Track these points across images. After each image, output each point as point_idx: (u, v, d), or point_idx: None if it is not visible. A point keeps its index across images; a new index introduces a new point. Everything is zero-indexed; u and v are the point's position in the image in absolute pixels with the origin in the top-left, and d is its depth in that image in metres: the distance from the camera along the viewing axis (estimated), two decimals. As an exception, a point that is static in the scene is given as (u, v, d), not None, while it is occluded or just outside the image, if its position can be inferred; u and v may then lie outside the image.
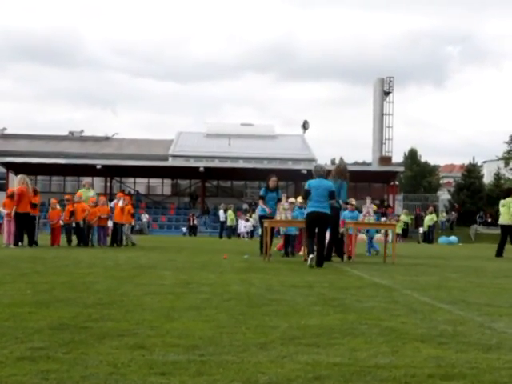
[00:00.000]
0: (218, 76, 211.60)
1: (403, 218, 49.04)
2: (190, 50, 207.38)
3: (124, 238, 23.46)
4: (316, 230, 13.77)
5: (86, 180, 26.61)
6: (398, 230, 43.79)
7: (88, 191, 24.10)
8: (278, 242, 22.93)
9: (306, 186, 13.88)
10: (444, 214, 61.78)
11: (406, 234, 49.04)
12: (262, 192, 19.03)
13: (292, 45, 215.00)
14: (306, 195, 13.76)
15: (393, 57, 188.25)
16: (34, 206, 21.04)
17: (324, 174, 14.00)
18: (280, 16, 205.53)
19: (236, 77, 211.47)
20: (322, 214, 13.50)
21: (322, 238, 13.84)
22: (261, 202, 18.87)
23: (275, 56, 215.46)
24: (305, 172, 55.53)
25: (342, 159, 21.47)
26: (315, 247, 13.71)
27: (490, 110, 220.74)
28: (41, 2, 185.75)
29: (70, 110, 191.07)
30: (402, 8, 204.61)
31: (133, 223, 25.54)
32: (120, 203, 22.93)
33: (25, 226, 20.78)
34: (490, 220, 61.67)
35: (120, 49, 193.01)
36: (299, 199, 21.30)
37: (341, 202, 15.91)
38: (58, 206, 23.67)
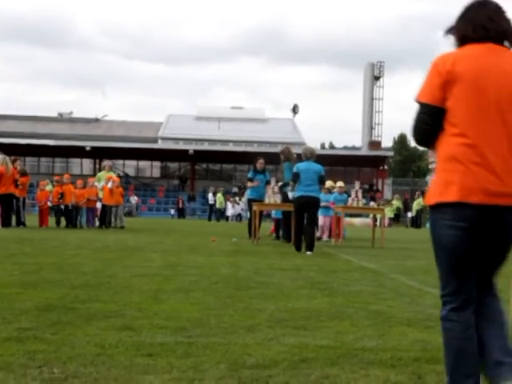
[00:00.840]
0: (209, 59, 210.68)
1: (395, 202, 49.12)
2: (181, 33, 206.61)
3: (113, 219, 23.40)
4: (306, 215, 13.62)
5: (106, 162, 25.50)
6: (390, 215, 43.87)
7: (107, 174, 23.68)
8: (267, 226, 22.94)
9: (295, 169, 13.66)
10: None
11: (397, 218, 49.13)
12: (249, 174, 19.01)
13: (283, 28, 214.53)
14: (295, 178, 13.57)
15: (384, 41, 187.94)
16: (16, 186, 20.87)
17: (312, 156, 13.74)
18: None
19: (227, 60, 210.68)
20: (311, 197, 13.34)
21: (312, 221, 13.68)
22: (249, 184, 18.84)
23: (266, 39, 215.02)
24: (294, 156, 55.39)
25: (287, 146, 21.46)
26: (303, 237, 13.49)
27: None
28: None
29: (60, 92, 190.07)
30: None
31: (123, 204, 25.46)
32: (109, 185, 22.86)
33: (11, 207, 20.67)
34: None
35: (110, 30, 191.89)
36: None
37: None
38: (46, 188, 23.56)
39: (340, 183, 20.29)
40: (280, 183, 17.22)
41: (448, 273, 3.34)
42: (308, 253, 12.85)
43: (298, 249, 13.26)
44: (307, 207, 13.49)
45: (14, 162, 21.27)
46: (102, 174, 23.72)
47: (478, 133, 3.22)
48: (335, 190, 20.08)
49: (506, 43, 3.37)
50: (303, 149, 14.39)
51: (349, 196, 18.49)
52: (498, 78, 3.27)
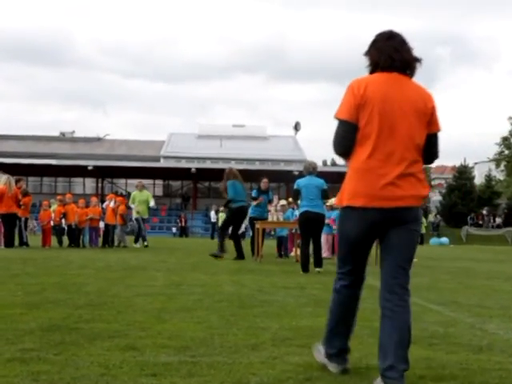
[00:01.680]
0: (209, 76, 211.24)
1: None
2: (180, 51, 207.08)
3: (116, 238, 23.40)
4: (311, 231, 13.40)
5: (139, 181, 25.41)
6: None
7: (141, 194, 23.72)
8: (271, 244, 22.90)
9: (295, 186, 13.22)
10: (434, 216, 61.94)
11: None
12: (253, 193, 19.01)
13: (282, 46, 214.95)
14: (296, 195, 13.17)
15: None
16: (19, 206, 20.88)
17: (313, 170, 13.37)
18: (270, 17, 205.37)
19: (226, 77, 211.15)
20: (315, 214, 13.03)
21: (317, 237, 13.35)
22: (254, 202, 18.85)
23: (265, 57, 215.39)
24: (297, 173, 55.52)
25: (230, 167, 21.61)
26: (311, 252, 13.29)
27: (481, 112, 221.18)
28: (30, 2, 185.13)
29: (61, 111, 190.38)
30: (390, 10, 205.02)
31: (128, 226, 25.49)
32: (111, 204, 22.89)
33: (13, 227, 20.66)
34: (480, 222, 61.91)
35: (109, 49, 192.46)
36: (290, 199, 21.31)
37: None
38: (52, 207, 23.61)
39: (332, 200, 20.24)
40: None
41: (346, 257, 4.25)
42: (317, 269, 12.76)
43: (305, 269, 12.63)
44: (312, 225, 12.98)
45: (17, 181, 21.30)
46: (136, 194, 23.76)
47: (385, 148, 3.96)
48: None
49: (408, 71, 4.15)
50: (305, 163, 13.98)
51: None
52: (400, 102, 4.01)
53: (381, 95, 4.01)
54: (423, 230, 47.91)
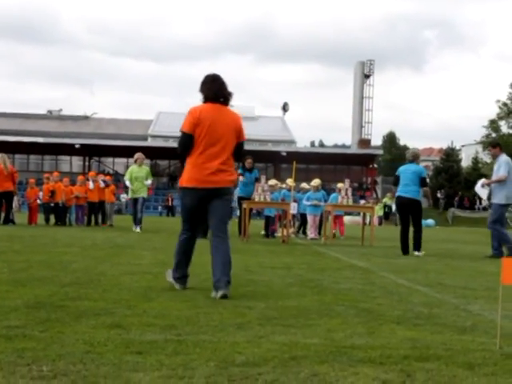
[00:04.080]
0: (197, 56, 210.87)
1: (386, 200, 49.08)
2: (168, 30, 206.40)
3: (106, 217, 23.37)
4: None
5: (138, 154, 20.59)
6: (380, 213, 43.83)
7: (140, 169, 20.28)
8: (258, 224, 22.92)
9: (396, 173, 13.61)
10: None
11: (387, 217, 49.08)
12: (239, 171, 18.99)
13: (271, 26, 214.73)
14: (395, 181, 13.52)
15: (371, 40, 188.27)
16: (14, 184, 20.80)
17: (413, 158, 13.42)
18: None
19: (214, 57, 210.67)
20: (406, 198, 13.20)
21: (416, 222, 13.36)
22: (240, 178, 18.79)
23: (253, 37, 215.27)
24: (284, 154, 55.57)
25: None
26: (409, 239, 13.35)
27: (469, 95, 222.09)
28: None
29: (48, 89, 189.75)
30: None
31: (115, 205, 25.41)
32: (91, 184, 22.76)
33: (10, 205, 20.59)
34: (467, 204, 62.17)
35: (96, 27, 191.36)
36: (288, 181, 21.29)
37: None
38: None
39: (316, 180, 20.27)
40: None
41: (186, 219, 6.72)
42: (416, 253, 12.89)
43: (405, 251, 13.14)
44: (406, 210, 13.36)
45: None
46: (134, 169, 20.32)
47: (209, 152, 6.40)
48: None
49: (226, 103, 6.57)
50: (407, 151, 14.33)
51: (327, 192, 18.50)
52: (221, 123, 6.45)
53: (209, 118, 6.39)
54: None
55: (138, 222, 19.91)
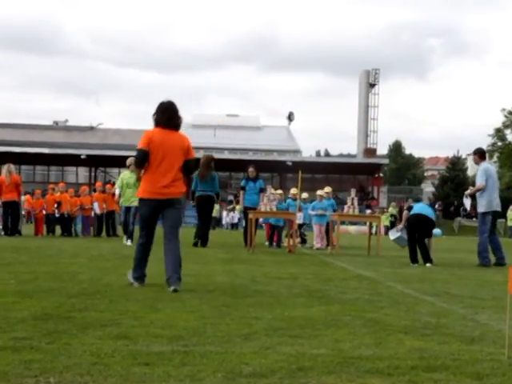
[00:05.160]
0: (201, 66, 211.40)
1: (391, 210, 49.00)
2: (172, 40, 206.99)
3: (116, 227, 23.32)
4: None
5: (130, 160, 16.68)
6: (386, 222, 43.73)
7: (132, 174, 16.75)
8: (262, 234, 22.88)
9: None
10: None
11: (393, 226, 49.04)
12: (242, 183, 18.97)
13: (275, 35, 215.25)
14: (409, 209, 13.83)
15: (375, 49, 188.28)
16: (19, 193, 20.84)
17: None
18: (262, 5, 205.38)
19: (219, 67, 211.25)
20: (424, 215, 13.30)
21: (424, 238, 13.48)
22: (241, 194, 18.82)
23: (258, 46, 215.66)
24: (290, 164, 55.56)
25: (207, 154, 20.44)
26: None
27: (474, 103, 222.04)
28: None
29: (53, 100, 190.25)
30: (383, 0, 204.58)
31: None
32: (117, 192, 22.65)
33: (7, 216, 20.61)
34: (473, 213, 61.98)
35: (100, 37, 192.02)
36: (292, 191, 21.29)
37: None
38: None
39: (327, 188, 20.39)
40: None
41: (143, 226, 7.78)
42: (428, 265, 12.85)
43: (414, 260, 13.24)
44: (420, 227, 13.39)
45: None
46: (125, 176, 18.58)
47: (160, 168, 7.53)
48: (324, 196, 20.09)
49: (176, 128, 7.73)
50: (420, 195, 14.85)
51: (344, 203, 18.51)
52: (171, 144, 7.59)
53: (159, 139, 7.55)
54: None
55: (129, 234, 17.96)
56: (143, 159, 7.61)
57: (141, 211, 7.82)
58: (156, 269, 9.98)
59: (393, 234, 15.25)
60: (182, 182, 7.75)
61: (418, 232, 13.30)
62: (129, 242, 17.52)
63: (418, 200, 14.17)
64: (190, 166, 7.79)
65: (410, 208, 13.88)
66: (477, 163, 13.92)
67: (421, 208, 13.75)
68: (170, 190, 7.54)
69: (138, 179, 8.12)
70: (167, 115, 7.65)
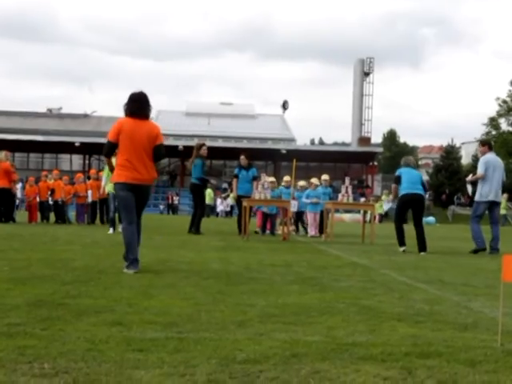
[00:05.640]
0: (195, 54, 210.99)
1: (385, 198, 49.02)
2: (166, 28, 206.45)
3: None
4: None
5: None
6: (379, 210, 43.79)
7: None
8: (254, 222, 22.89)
9: (397, 173, 13.88)
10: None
11: (387, 214, 49.05)
12: (235, 171, 18.96)
13: (269, 23, 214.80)
14: (396, 180, 13.77)
15: (370, 38, 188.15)
16: (10, 181, 20.78)
17: (413, 164, 14.17)
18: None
19: (213, 55, 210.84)
20: (416, 194, 13.45)
21: (420, 221, 13.64)
22: (234, 182, 18.81)
23: (253, 35, 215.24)
24: (284, 152, 55.52)
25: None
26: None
27: (468, 92, 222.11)
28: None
29: (47, 87, 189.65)
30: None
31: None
32: (103, 179, 22.66)
33: (5, 203, 20.59)
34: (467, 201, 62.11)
35: (94, 25, 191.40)
36: (285, 178, 21.30)
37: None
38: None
39: (325, 176, 20.40)
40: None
41: (125, 210, 8.14)
42: (422, 253, 12.84)
43: (402, 243, 13.37)
44: (412, 205, 13.53)
45: None
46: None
47: (131, 155, 8.00)
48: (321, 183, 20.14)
49: (146, 117, 8.19)
50: (404, 159, 14.60)
51: (338, 192, 18.53)
52: (141, 133, 8.03)
53: (130, 129, 8.00)
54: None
55: (111, 223, 17.53)
56: (109, 151, 8.22)
57: (118, 195, 8.21)
58: (149, 257, 10.00)
59: (386, 206, 15.36)
60: (153, 168, 8.21)
61: (411, 209, 13.50)
62: (111, 231, 17.06)
63: (407, 165, 13.88)
64: (156, 152, 8.16)
65: (398, 179, 13.70)
66: (483, 154, 14.00)
67: (412, 182, 13.53)
68: (142, 176, 8.04)
69: (111, 170, 8.53)
70: (137, 105, 8.09)
